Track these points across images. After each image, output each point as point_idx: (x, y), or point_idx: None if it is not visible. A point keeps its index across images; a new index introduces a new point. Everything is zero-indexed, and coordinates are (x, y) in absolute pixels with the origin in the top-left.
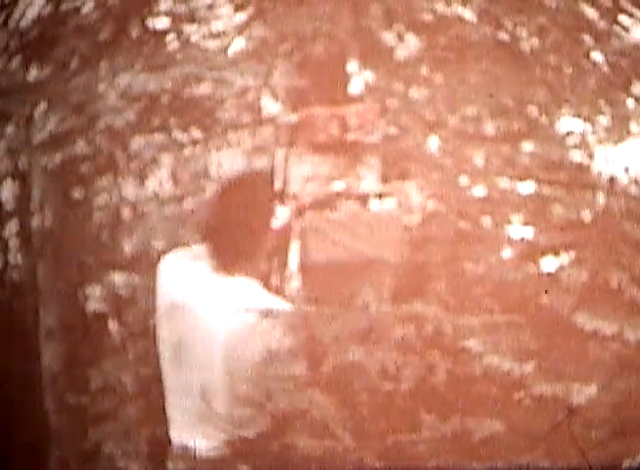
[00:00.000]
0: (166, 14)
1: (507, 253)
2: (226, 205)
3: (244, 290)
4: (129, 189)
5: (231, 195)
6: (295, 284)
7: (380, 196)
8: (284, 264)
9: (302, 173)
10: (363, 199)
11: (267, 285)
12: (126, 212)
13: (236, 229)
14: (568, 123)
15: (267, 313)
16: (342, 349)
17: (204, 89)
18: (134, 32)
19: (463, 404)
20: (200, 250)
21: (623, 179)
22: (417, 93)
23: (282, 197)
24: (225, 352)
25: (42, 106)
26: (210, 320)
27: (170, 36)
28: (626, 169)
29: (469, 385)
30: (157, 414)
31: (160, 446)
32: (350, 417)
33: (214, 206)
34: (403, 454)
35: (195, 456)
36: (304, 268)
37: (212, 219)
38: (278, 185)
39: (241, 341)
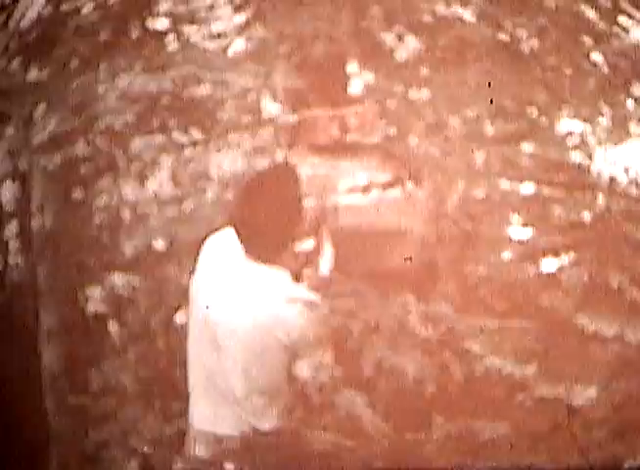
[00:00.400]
0: (166, 15)
1: (507, 254)
2: (257, 194)
3: (272, 279)
4: (129, 190)
5: (262, 185)
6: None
7: (380, 197)
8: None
9: (302, 174)
10: (363, 200)
11: (296, 276)
12: (126, 214)
13: (267, 219)
14: (567, 124)
15: (293, 304)
16: (368, 345)
17: (203, 90)
18: (134, 33)
19: (468, 406)
20: (234, 235)
21: (623, 180)
22: (417, 94)
23: None
24: (246, 339)
25: (42, 107)
26: (236, 305)
27: (170, 37)
28: (626, 170)
29: (473, 387)
30: (157, 414)
31: (163, 446)
32: (368, 414)
33: (246, 194)
34: (411, 454)
35: (216, 440)
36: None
37: (244, 208)
38: None
39: (263, 329)
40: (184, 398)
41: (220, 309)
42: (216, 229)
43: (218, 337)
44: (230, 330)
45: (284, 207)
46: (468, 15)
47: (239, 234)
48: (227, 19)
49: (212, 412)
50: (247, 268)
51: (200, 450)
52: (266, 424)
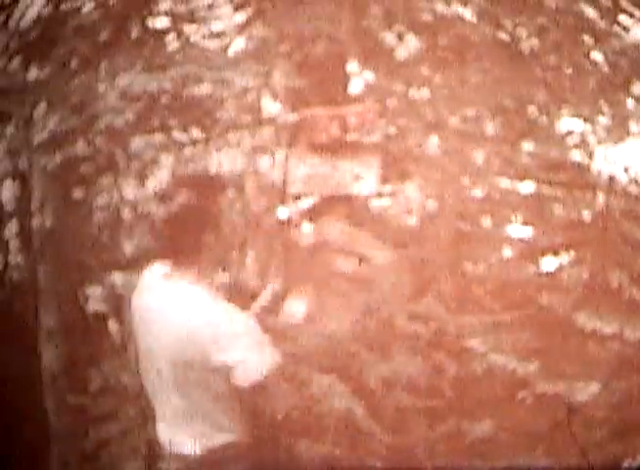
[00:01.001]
0: (166, 14)
1: (507, 253)
2: (176, 207)
3: (192, 294)
4: (129, 189)
5: (179, 196)
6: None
7: (380, 196)
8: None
9: (302, 174)
10: (363, 199)
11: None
12: (126, 213)
13: (183, 232)
14: (567, 123)
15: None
16: (332, 346)
17: (204, 89)
18: (134, 32)
19: (465, 404)
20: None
21: (623, 179)
22: (417, 93)
23: (282, 197)
24: (172, 356)
25: (42, 106)
26: (162, 322)
27: (170, 36)
28: (626, 169)
29: (471, 384)
30: (153, 414)
31: (154, 447)
32: (350, 418)
33: (166, 208)
34: (404, 454)
35: (180, 457)
36: (300, 267)
37: (165, 222)
38: (278, 186)
39: (186, 345)
40: None
41: (151, 330)
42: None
43: (152, 357)
44: (158, 350)
45: (199, 218)
46: (468, 14)
47: (162, 247)
48: (227, 18)
49: (170, 431)
50: (168, 285)
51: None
52: (221, 438)
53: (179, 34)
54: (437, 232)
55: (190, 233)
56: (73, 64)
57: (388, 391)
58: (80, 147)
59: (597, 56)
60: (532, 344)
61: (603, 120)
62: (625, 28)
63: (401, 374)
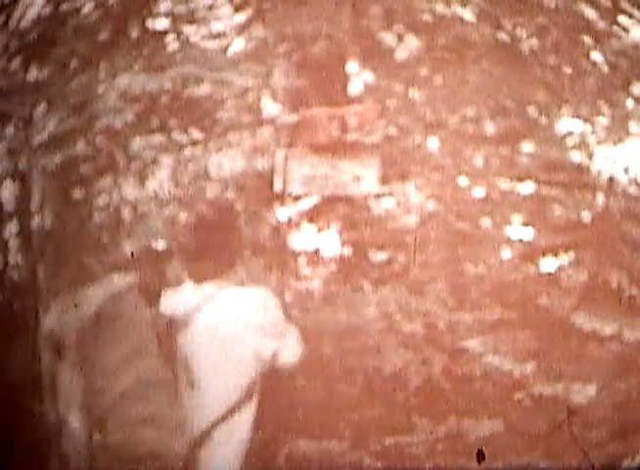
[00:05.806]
0: (166, 14)
1: (506, 253)
2: None
3: None
4: (129, 190)
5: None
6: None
7: (379, 196)
8: None
9: (302, 174)
10: (363, 199)
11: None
12: (126, 213)
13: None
14: (567, 124)
15: None
16: (340, 347)
17: (203, 90)
18: (134, 33)
19: (462, 405)
20: None
21: (623, 179)
22: (417, 93)
23: (282, 197)
24: None
25: (42, 106)
26: None
27: (170, 37)
28: (626, 170)
29: (468, 385)
30: None
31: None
32: (350, 418)
33: None
34: (402, 455)
35: None
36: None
37: None
38: (278, 186)
39: None
40: None
41: None
42: None
43: None
44: None
45: None
46: (468, 14)
47: None
48: (227, 18)
49: None
50: None
51: None
52: None
53: (179, 35)
54: (436, 232)
55: None
56: (73, 64)
57: (386, 391)
58: (80, 147)
59: (597, 56)
60: (531, 344)
61: (603, 121)
62: (625, 29)
63: (399, 374)
